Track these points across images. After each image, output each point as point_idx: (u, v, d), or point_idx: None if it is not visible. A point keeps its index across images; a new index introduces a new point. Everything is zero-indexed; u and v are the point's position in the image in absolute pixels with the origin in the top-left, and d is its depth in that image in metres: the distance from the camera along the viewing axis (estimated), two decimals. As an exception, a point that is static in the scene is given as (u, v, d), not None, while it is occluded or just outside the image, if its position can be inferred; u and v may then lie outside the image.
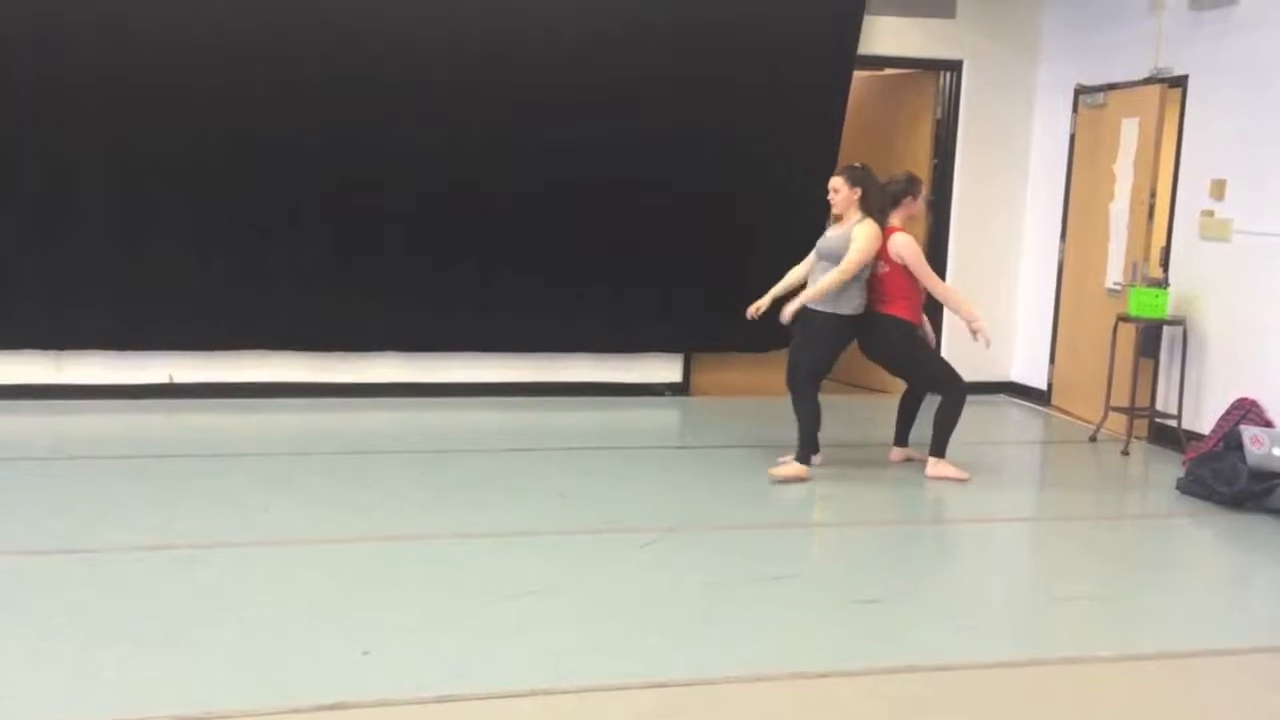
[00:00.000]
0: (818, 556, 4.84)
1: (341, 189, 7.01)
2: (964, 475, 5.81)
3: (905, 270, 5.68)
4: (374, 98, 6.93)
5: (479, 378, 7.50)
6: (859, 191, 5.61)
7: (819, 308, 5.64)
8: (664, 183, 7.35)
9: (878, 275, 5.68)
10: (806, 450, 5.72)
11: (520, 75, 7.06)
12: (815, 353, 5.71)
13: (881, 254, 5.63)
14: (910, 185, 5.82)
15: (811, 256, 5.81)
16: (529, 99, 7.09)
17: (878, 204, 5.65)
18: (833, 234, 5.70)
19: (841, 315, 5.63)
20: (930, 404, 5.97)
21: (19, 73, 6.52)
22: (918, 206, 5.94)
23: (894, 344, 5.80)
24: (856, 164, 5.77)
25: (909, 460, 6.06)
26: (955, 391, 5.83)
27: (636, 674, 3.48)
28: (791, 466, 5.69)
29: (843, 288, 5.57)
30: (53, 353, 6.89)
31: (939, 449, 5.84)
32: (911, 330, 5.79)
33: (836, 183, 5.68)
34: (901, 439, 6.13)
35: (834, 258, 5.59)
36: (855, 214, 5.62)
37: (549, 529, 4.90)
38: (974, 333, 5.73)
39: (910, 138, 8.25)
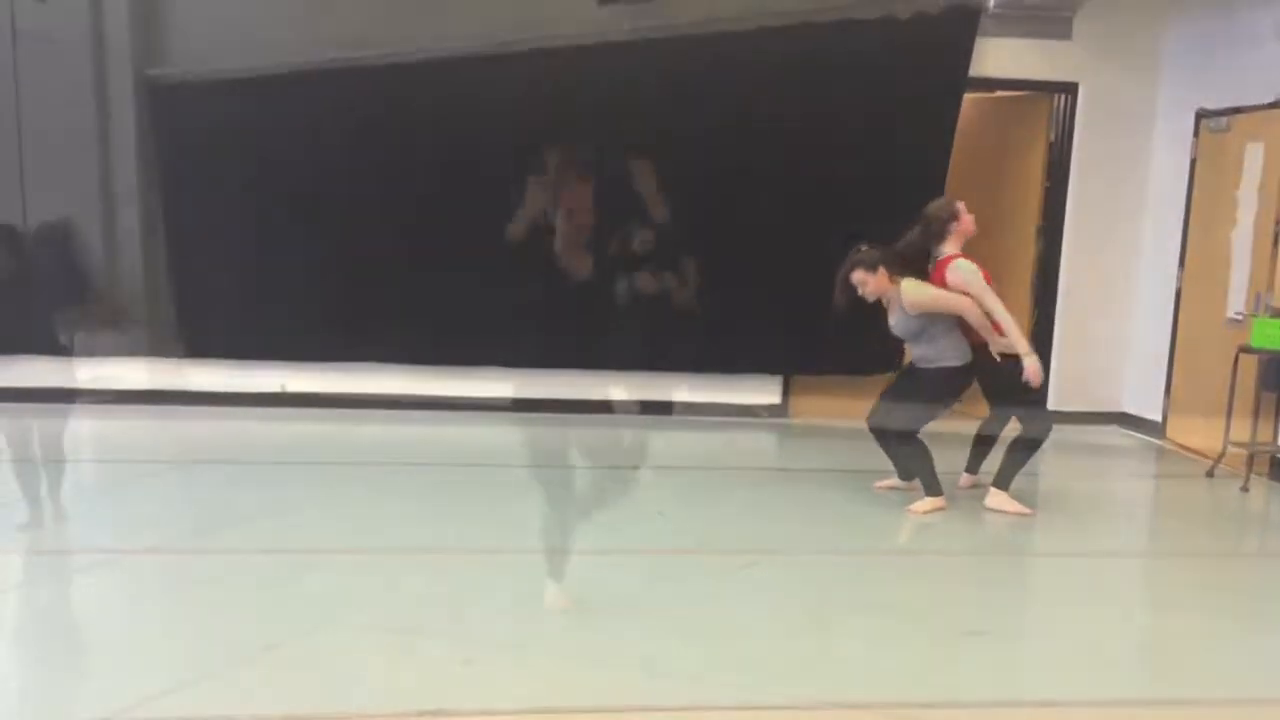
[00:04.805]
0: (922, 585, 4.75)
1: (456, 213, 7.15)
2: (1026, 510, 5.62)
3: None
4: (508, 127, 7.00)
5: (579, 394, 7.57)
6: (881, 269, 5.47)
7: (926, 366, 5.54)
8: (766, 205, 7.33)
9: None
10: (935, 485, 5.60)
11: (640, 114, 7.09)
12: (919, 409, 5.54)
13: (944, 286, 5.44)
14: (947, 209, 5.54)
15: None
16: (648, 133, 7.13)
17: (904, 260, 5.48)
18: (893, 319, 5.56)
19: (952, 367, 5.49)
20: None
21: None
22: (967, 223, 5.55)
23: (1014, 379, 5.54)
24: (859, 248, 5.55)
25: (976, 487, 5.91)
26: (1042, 427, 5.66)
27: (735, 698, 3.45)
28: (926, 502, 5.59)
29: (948, 333, 5.46)
30: (174, 360, 7.17)
31: (1005, 481, 5.66)
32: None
33: (859, 277, 5.49)
34: (973, 466, 5.99)
35: (916, 333, 5.50)
36: (891, 286, 5.47)
37: (647, 548, 4.91)
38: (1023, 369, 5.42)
39: (1021, 161, 8.09)
